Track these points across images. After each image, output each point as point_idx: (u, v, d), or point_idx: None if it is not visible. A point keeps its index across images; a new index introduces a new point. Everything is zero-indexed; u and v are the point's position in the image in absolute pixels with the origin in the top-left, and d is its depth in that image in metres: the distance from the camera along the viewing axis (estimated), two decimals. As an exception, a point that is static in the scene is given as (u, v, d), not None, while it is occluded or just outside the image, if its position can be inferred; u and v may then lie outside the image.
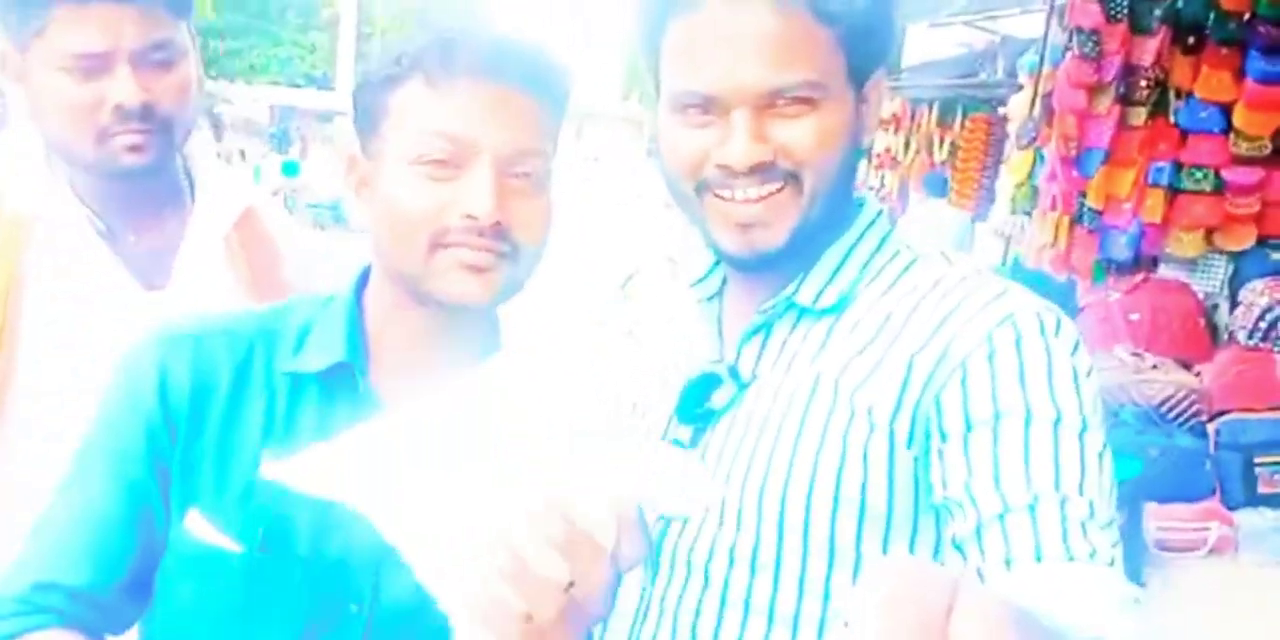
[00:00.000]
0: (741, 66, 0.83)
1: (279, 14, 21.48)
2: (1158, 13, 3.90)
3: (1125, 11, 3.89)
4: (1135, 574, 3.31)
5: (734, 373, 0.91)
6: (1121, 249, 4.12)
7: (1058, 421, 0.78)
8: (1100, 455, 0.80)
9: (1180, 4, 3.91)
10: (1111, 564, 0.75)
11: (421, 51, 0.83)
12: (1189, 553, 3.36)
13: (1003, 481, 0.76)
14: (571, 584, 0.60)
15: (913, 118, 8.50)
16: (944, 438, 0.81)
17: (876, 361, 0.85)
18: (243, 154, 15.95)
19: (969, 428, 0.80)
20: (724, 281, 0.99)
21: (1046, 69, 4.25)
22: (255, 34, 20.92)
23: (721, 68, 0.83)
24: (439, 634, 0.85)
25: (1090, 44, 3.93)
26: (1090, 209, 4.14)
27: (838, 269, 0.91)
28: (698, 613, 0.88)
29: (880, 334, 0.87)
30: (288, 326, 0.90)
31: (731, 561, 0.87)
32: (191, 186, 1.29)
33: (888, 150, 8.77)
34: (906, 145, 8.60)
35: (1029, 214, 4.50)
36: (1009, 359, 0.81)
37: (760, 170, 0.85)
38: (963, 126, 7.89)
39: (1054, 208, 4.17)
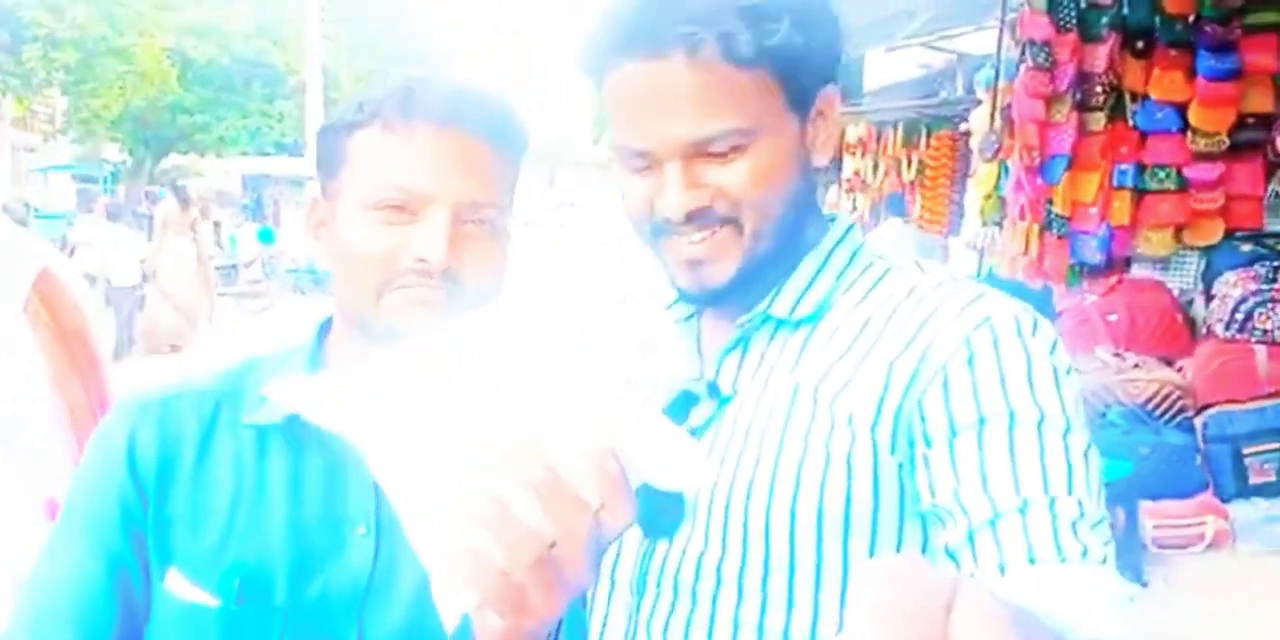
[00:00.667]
0: (664, 122, 0.84)
1: (244, 86, 21.61)
2: (1105, 20, 3.99)
3: (1074, 21, 3.98)
4: (1137, 573, 3.30)
5: (713, 388, 0.91)
6: (1093, 252, 4.16)
7: (1041, 422, 0.79)
8: (1085, 454, 0.80)
9: (1127, 10, 4.00)
10: (1104, 562, 0.75)
11: (382, 98, 0.85)
12: (1188, 549, 3.35)
13: (991, 487, 0.76)
14: (553, 544, 0.56)
15: (878, 140, 8.63)
16: (929, 444, 0.81)
17: (854, 368, 0.86)
18: (217, 225, 16.01)
19: (954, 433, 0.80)
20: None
21: (1003, 83, 4.32)
22: (223, 106, 21.05)
23: (647, 124, 0.84)
24: None
25: (1043, 55, 4.01)
26: (1058, 216, 4.18)
27: (812, 280, 0.92)
28: (686, 634, 0.88)
29: (857, 341, 0.87)
30: (253, 381, 0.91)
31: (719, 581, 0.86)
32: None
33: (856, 173, 8.87)
34: (875, 167, 8.72)
35: (999, 225, 4.55)
36: (989, 362, 0.81)
37: (697, 217, 0.85)
38: (928, 145, 8.01)
39: (1023, 217, 4.22)
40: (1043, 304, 4.40)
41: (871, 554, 0.83)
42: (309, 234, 0.91)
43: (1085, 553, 0.74)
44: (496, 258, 0.87)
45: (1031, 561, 0.73)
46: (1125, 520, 3.32)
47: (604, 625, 0.92)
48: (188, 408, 0.89)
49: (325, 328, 0.94)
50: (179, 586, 0.85)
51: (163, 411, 0.88)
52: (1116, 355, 3.88)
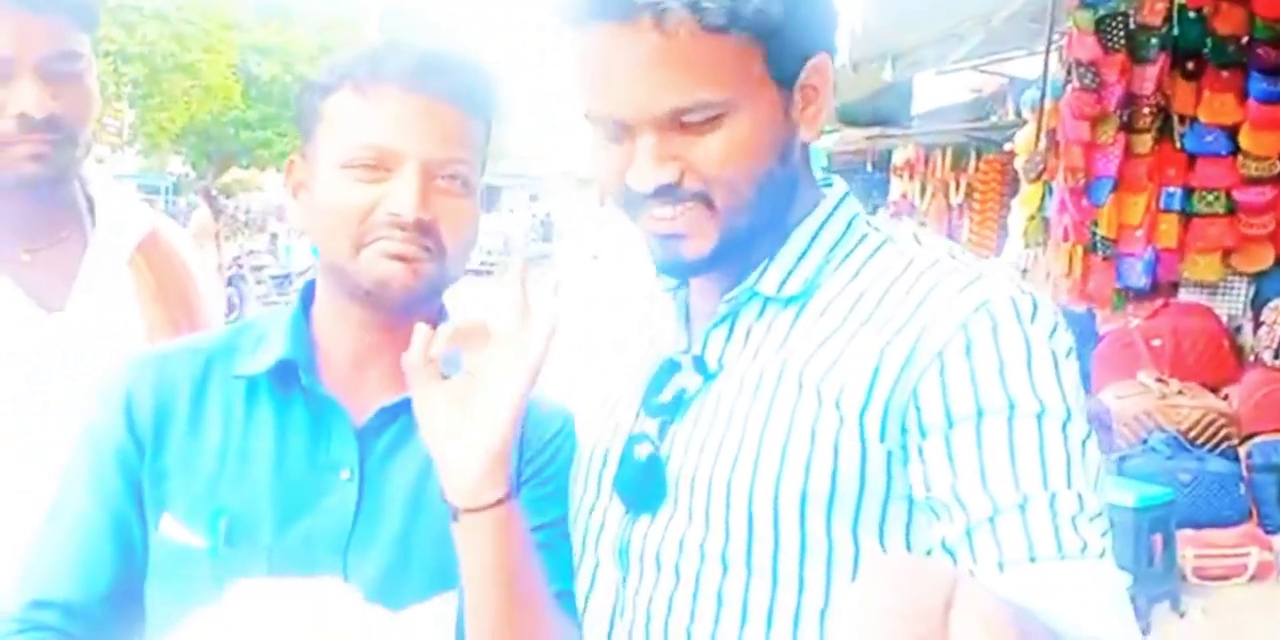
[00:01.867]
0: (636, 90, 0.80)
1: (306, 102, 22.14)
2: (1155, 41, 3.95)
3: (1123, 42, 3.95)
4: (1174, 602, 3.22)
5: (700, 363, 0.89)
6: (1138, 276, 4.10)
7: (1041, 414, 0.76)
8: (1084, 444, 0.77)
9: (1176, 31, 3.95)
10: (1102, 555, 0.73)
11: (352, 62, 0.88)
12: (1229, 579, 3.26)
13: (990, 482, 0.74)
14: None
15: (926, 163, 8.57)
16: (924, 434, 0.78)
17: (843, 349, 0.83)
18: (274, 237, 16.31)
19: (950, 425, 0.77)
20: None
21: (1049, 103, 4.28)
22: (284, 123, 21.49)
23: (619, 91, 0.81)
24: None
25: (1090, 76, 3.98)
26: (1103, 238, 4.13)
27: (802, 255, 0.88)
28: (669, 610, 0.86)
29: (847, 320, 0.84)
30: (246, 339, 0.94)
31: (702, 558, 0.85)
32: (91, 208, 1.23)
33: (904, 196, 8.81)
34: (923, 190, 8.65)
35: (1043, 247, 4.50)
36: (987, 350, 0.78)
37: (664, 192, 0.82)
38: (977, 169, 7.92)
39: (1066, 239, 4.17)
40: (1086, 327, 4.33)
41: (854, 532, 0.82)
42: (288, 194, 0.94)
43: (1084, 548, 0.72)
44: (468, 211, 0.90)
45: (1032, 560, 0.72)
46: (1163, 548, 3.24)
47: (588, 599, 0.92)
48: (181, 364, 0.92)
49: (310, 289, 0.96)
50: (172, 529, 0.88)
51: (158, 368, 0.92)
52: (1160, 380, 3.81)
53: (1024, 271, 4.72)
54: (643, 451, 0.89)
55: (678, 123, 0.81)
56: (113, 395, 0.91)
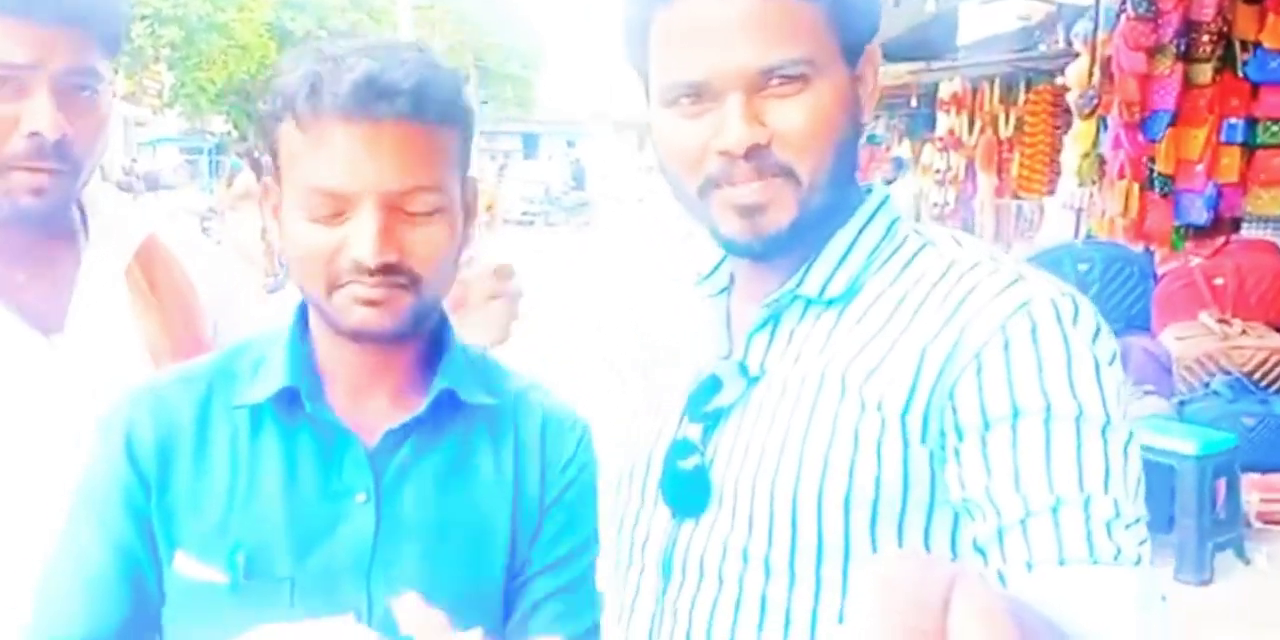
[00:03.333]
0: (729, 50, 0.82)
1: (341, 55, 22.20)
2: (1214, -37, 3.76)
3: (1179, -35, 3.76)
4: (1238, 549, 3.16)
5: (742, 368, 0.89)
6: (1199, 212, 3.97)
7: (1079, 417, 0.75)
8: (1125, 450, 0.76)
9: (1237, -48, 3.76)
10: (1138, 563, 0.71)
11: (291, 92, 0.80)
12: (1296, 524, 3.20)
13: (1023, 483, 0.74)
14: None
15: (974, 96, 8.33)
16: (960, 435, 0.78)
17: (885, 352, 0.83)
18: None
19: (986, 426, 0.77)
20: (731, 278, 0.96)
21: (1102, 34, 4.12)
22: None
23: (709, 53, 0.82)
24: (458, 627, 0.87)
25: (1145, 4, 3.80)
26: (1160, 174, 4.00)
27: (843, 258, 0.89)
28: (712, 616, 0.87)
29: (890, 322, 0.84)
30: (242, 364, 0.91)
31: (745, 562, 0.85)
32: (84, 219, 1.16)
33: (951, 132, 8.59)
34: (970, 125, 8.43)
35: (1097, 184, 4.36)
36: (1025, 351, 0.77)
37: (756, 156, 0.83)
38: (1026, 100, 7.69)
39: (1122, 176, 4.03)
40: (1143, 267, 4.21)
41: (900, 537, 0.81)
42: (269, 216, 0.88)
43: (1118, 554, 0.70)
44: (440, 235, 0.83)
45: (1062, 562, 0.70)
46: (1226, 493, 3.18)
47: (632, 607, 0.92)
48: (180, 394, 0.89)
49: (304, 309, 0.91)
50: (187, 567, 0.86)
51: (156, 400, 0.89)
52: (1222, 321, 3.70)
53: (1078, 210, 4.60)
54: (687, 457, 0.89)
55: (765, 84, 0.82)
56: (113, 432, 0.88)
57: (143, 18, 18.49)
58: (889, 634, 0.38)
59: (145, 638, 0.89)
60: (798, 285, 0.88)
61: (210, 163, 21.85)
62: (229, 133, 23.01)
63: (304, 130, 0.79)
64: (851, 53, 0.86)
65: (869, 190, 0.93)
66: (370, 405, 0.89)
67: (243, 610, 0.84)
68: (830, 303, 0.88)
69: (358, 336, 0.85)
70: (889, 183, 8.48)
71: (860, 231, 0.90)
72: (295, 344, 0.89)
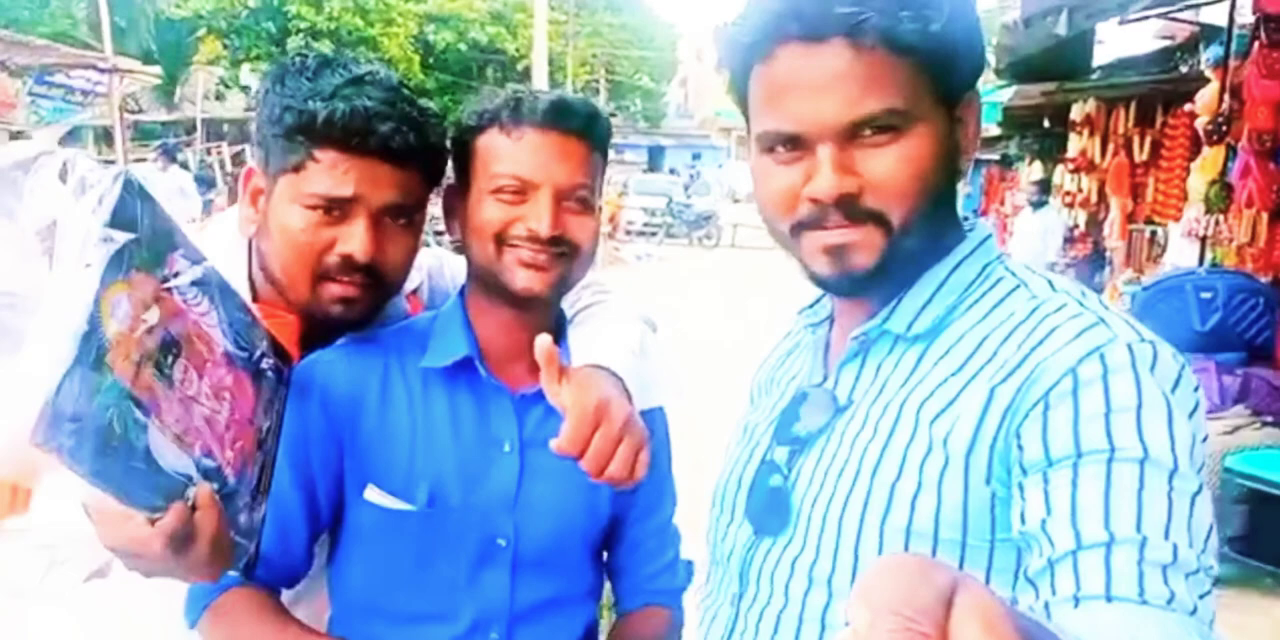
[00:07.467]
0: (821, 103, 0.84)
1: (480, 70, 22.97)
2: (1355, -10, 3.66)
3: (1319, -8, 3.67)
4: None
5: (832, 398, 0.93)
6: (1330, 244, 3.85)
7: (1144, 460, 0.74)
8: (1193, 499, 0.73)
9: (1381, -21, 3.65)
10: (1193, 613, 0.68)
11: (496, 108, 1.08)
12: None
13: (1079, 519, 0.73)
14: None
15: (1108, 118, 8.08)
16: (1025, 473, 0.78)
17: (958, 391, 0.84)
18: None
19: (1050, 463, 0.76)
20: (832, 310, 1.01)
21: (1234, 60, 4.04)
22: (460, 90, 22.32)
23: (803, 106, 0.85)
24: (575, 557, 1.15)
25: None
26: (1291, 204, 3.89)
27: (932, 296, 0.90)
28: (776, 629, 0.91)
29: (968, 362, 0.85)
30: (414, 333, 1.15)
31: (810, 582, 0.88)
32: None
33: (1083, 153, 8.34)
34: (1103, 147, 8.18)
35: (1224, 213, 4.26)
36: (1095, 394, 0.77)
37: (845, 204, 0.85)
38: (1165, 124, 7.42)
39: (1250, 205, 3.95)
40: (1269, 297, 4.10)
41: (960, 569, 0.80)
42: (446, 209, 1.14)
43: (1171, 599, 0.68)
44: (589, 224, 1.10)
45: (1109, 599, 0.69)
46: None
47: (715, 612, 1.00)
48: (363, 360, 1.13)
49: (463, 296, 1.16)
50: (378, 498, 1.09)
51: (347, 363, 1.12)
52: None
53: (1204, 239, 4.50)
54: (772, 479, 0.95)
55: (857, 136, 0.84)
56: (309, 390, 1.10)
57: (298, 31, 19.60)
58: (890, 635, 0.38)
59: (308, 554, 1.13)
60: (885, 320, 0.91)
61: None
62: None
63: (506, 134, 1.07)
64: (949, 100, 0.87)
65: (972, 228, 0.95)
66: (513, 370, 1.12)
67: (423, 532, 1.08)
68: (916, 339, 0.90)
69: (519, 298, 1.08)
70: (1037, 206, 8.32)
71: (953, 270, 0.91)
72: (466, 322, 1.14)
